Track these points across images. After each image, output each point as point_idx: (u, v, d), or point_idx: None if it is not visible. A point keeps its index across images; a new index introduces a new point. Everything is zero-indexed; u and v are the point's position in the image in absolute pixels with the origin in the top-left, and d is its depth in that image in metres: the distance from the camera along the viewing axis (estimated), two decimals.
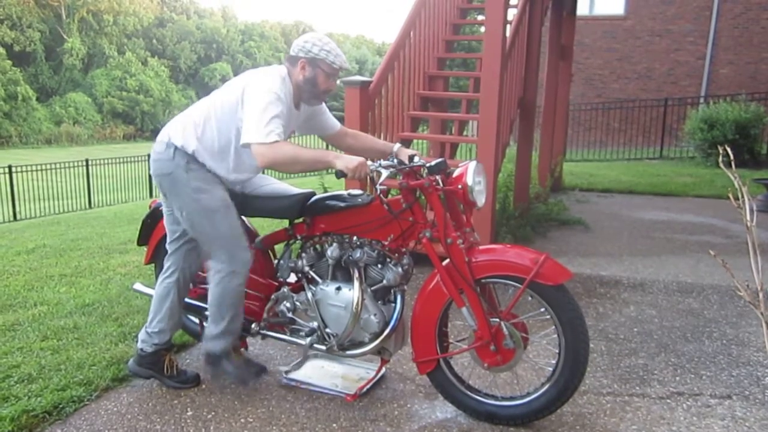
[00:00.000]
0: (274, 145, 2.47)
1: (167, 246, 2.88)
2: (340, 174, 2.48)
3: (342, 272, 2.78)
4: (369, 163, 2.51)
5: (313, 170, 2.63)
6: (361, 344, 2.74)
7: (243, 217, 3.04)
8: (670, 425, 2.61)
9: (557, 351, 2.48)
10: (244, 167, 2.74)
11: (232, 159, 2.70)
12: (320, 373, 3.08)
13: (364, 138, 3.11)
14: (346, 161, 2.47)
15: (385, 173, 2.52)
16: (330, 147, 3.11)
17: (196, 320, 3.19)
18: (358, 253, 2.68)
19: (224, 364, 2.81)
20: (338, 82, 2.87)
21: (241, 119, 2.58)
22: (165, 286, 2.87)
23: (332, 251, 2.75)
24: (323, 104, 2.92)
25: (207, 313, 2.84)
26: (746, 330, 3.70)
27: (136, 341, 2.97)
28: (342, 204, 2.73)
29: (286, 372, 3.04)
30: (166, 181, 2.70)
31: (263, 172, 2.89)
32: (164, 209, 2.86)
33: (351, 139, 3.05)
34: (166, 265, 2.89)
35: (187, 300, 3.01)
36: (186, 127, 2.70)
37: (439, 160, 2.55)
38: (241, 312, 2.82)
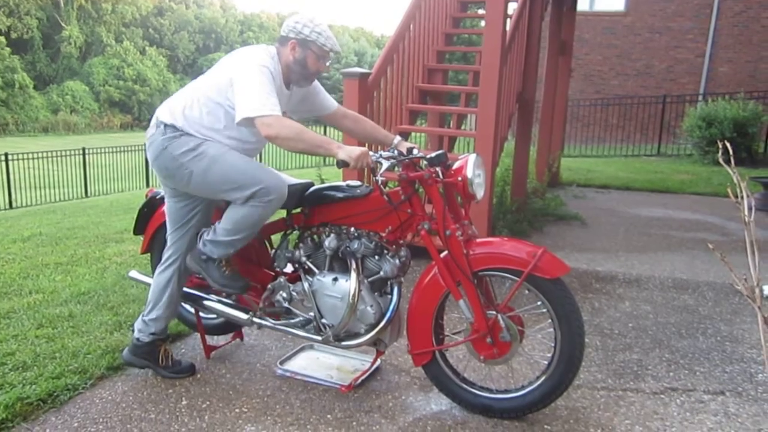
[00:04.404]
0: (281, 118, 2.45)
1: (168, 236, 2.85)
2: (341, 164, 2.47)
3: (339, 263, 2.77)
4: (370, 153, 2.51)
5: (314, 154, 2.60)
6: (357, 335, 2.73)
7: None
8: (663, 420, 2.62)
9: (553, 345, 2.49)
10: (236, 147, 2.67)
11: (221, 139, 2.65)
12: (315, 364, 3.08)
13: (365, 123, 3.06)
14: (349, 151, 2.46)
15: (385, 164, 2.51)
16: (328, 130, 3.08)
17: (192, 309, 3.18)
18: (355, 245, 2.68)
19: (211, 268, 2.75)
20: (338, 74, 2.85)
21: (230, 99, 2.55)
22: (166, 274, 2.85)
23: (330, 242, 2.74)
24: (317, 83, 2.88)
25: (218, 225, 2.72)
26: (740, 327, 3.72)
27: (132, 331, 2.96)
28: (340, 195, 2.73)
29: (281, 362, 3.04)
30: (165, 157, 2.64)
31: (260, 160, 2.87)
32: (167, 198, 2.82)
33: (350, 123, 3.01)
34: (166, 255, 2.86)
35: (185, 289, 2.99)
36: (173, 108, 2.68)
37: (440, 152, 2.56)
38: (250, 238, 2.74)
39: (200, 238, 2.80)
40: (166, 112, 2.69)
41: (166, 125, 2.65)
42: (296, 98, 2.84)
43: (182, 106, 2.66)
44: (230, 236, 2.68)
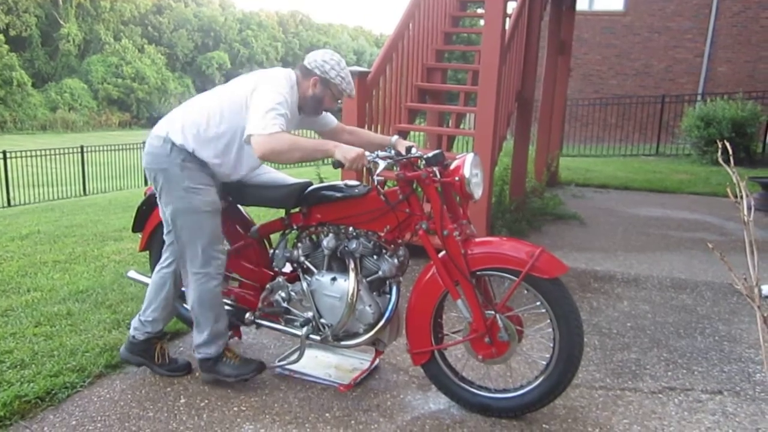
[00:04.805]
0: (273, 135, 2.46)
1: (165, 237, 2.85)
2: (337, 164, 2.47)
3: (337, 263, 2.77)
4: (367, 154, 2.51)
5: (311, 159, 2.62)
6: (356, 335, 2.74)
7: (239, 206, 3.03)
8: (661, 420, 2.63)
9: (551, 344, 2.49)
10: (245, 166, 2.74)
11: (233, 158, 2.69)
12: (314, 362, 3.08)
13: (361, 133, 3.12)
14: (345, 151, 2.46)
15: (382, 164, 2.51)
16: None
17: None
18: (354, 244, 2.68)
19: (221, 367, 2.79)
20: None
21: (246, 119, 2.58)
22: (162, 276, 2.86)
23: (328, 242, 2.74)
24: None
25: (194, 329, 2.83)
26: (738, 326, 3.72)
27: (129, 328, 2.96)
28: (339, 194, 2.73)
29: (280, 361, 3.04)
30: (160, 176, 2.68)
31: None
32: (158, 199, 2.82)
33: (348, 135, 3.03)
34: (164, 255, 2.87)
35: (183, 289, 2.99)
36: (185, 125, 2.66)
37: (437, 151, 2.55)
38: (223, 311, 2.82)
39: (193, 349, 2.86)
40: (177, 131, 2.66)
41: (174, 145, 2.64)
42: (301, 117, 2.88)
43: (196, 126, 2.65)
44: (204, 329, 2.76)
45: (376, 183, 2.56)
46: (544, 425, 2.55)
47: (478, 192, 2.56)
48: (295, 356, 2.89)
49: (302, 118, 2.88)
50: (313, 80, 2.70)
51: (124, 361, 2.95)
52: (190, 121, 2.67)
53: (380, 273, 2.68)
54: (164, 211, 2.75)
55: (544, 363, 2.54)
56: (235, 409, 2.64)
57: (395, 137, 2.91)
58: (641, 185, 9.12)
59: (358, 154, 2.46)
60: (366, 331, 2.70)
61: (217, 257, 2.73)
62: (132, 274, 3.36)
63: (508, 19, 5.24)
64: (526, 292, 2.52)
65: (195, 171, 2.67)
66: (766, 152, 12.06)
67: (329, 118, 3.01)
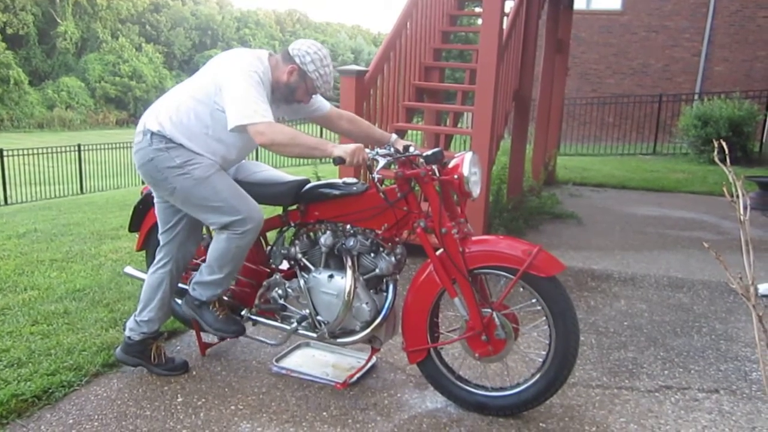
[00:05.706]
0: (273, 125, 2.44)
1: (159, 236, 2.84)
2: (338, 160, 2.46)
3: (335, 260, 2.77)
4: (366, 150, 2.51)
5: (309, 157, 2.60)
6: (352, 333, 2.74)
7: None
8: (658, 418, 2.63)
9: (548, 342, 2.49)
10: (224, 151, 2.67)
11: (209, 142, 2.64)
12: (311, 361, 3.08)
13: (361, 123, 3.04)
14: (344, 147, 2.46)
15: (382, 161, 2.51)
16: (324, 133, 3.06)
17: None
18: (351, 242, 2.68)
19: (205, 312, 2.79)
20: (335, 70, 2.81)
21: (218, 103, 2.54)
22: (158, 276, 2.83)
23: (325, 239, 2.74)
24: None
25: (203, 266, 2.77)
26: (735, 325, 3.73)
27: (124, 329, 2.95)
28: (336, 192, 2.72)
29: (277, 360, 3.04)
30: (150, 168, 2.64)
31: (256, 158, 2.87)
32: (155, 198, 2.82)
33: (347, 123, 2.99)
34: (158, 255, 2.84)
35: (180, 285, 2.98)
36: (159, 113, 2.66)
37: (436, 149, 2.55)
38: (237, 269, 2.77)
39: (190, 283, 2.84)
40: (152, 119, 2.66)
41: (153, 134, 2.62)
42: (278, 105, 2.80)
43: (168, 112, 2.64)
44: (214, 275, 2.72)
45: (375, 180, 2.55)
46: (541, 424, 2.56)
47: (476, 190, 2.56)
48: (290, 354, 2.88)
49: (281, 106, 2.79)
50: (290, 68, 2.62)
51: (121, 362, 2.95)
52: (162, 109, 2.66)
53: (377, 271, 2.68)
54: (173, 201, 2.69)
55: (541, 361, 2.54)
56: (233, 407, 2.64)
57: (394, 136, 2.89)
58: (638, 184, 9.13)
59: (358, 147, 2.46)
60: (362, 329, 2.70)
61: (253, 211, 2.62)
62: (129, 270, 3.35)
63: (505, 18, 5.24)
64: (521, 289, 2.52)
65: (181, 149, 2.62)
66: (762, 151, 12.09)
67: (320, 102, 2.91)
